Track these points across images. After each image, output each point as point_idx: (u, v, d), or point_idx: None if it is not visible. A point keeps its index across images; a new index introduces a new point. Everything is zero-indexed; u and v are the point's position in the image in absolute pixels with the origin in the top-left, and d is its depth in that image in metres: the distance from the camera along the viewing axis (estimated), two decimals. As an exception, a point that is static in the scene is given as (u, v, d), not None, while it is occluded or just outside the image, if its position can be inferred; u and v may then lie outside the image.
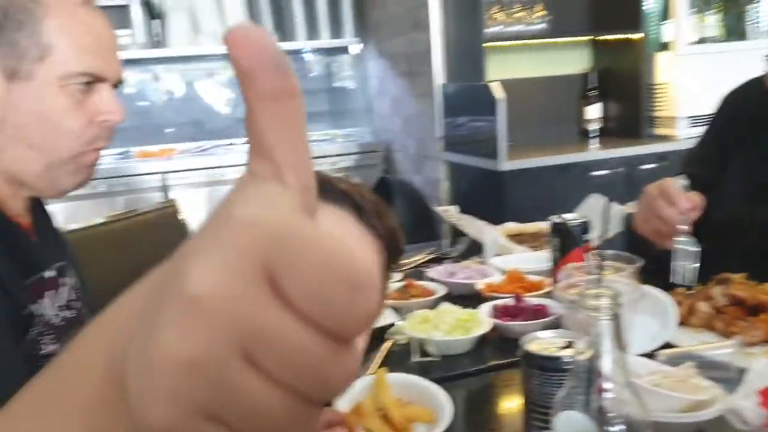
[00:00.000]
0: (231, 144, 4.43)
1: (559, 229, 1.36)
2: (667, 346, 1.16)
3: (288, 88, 0.30)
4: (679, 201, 1.38)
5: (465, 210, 2.08)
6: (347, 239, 0.36)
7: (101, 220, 2.11)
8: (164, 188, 3.82)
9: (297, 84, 0.30)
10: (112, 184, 3.71)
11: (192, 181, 3.89)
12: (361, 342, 0.28)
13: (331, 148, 4.30)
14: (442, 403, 1.01)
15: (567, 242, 1.35)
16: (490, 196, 3.25)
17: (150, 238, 2.11)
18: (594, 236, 1.37)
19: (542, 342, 0.78)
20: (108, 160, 3.86)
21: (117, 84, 1.09)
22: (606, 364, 0.64)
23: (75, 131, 1.01)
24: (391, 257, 0.77)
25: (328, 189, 0.72)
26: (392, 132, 4.33)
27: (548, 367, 0.74)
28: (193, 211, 3.95)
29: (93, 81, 1.01)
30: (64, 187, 1.05)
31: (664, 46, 3.45)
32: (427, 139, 3.84)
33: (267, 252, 0.25)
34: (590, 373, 0.65)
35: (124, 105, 1.06)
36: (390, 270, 0.80)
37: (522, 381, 0.78)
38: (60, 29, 0.98)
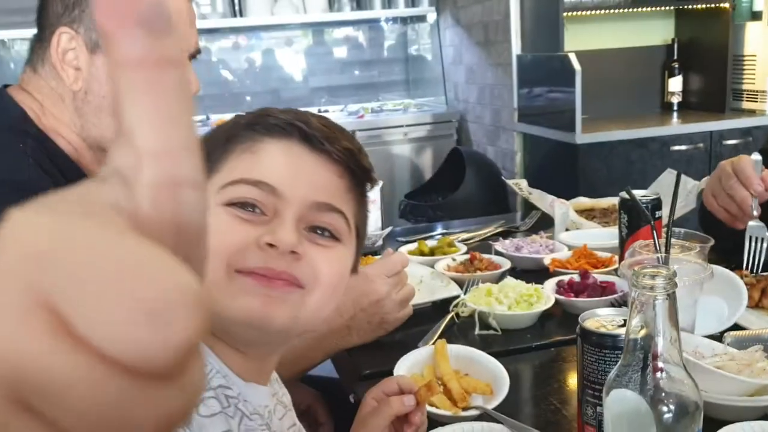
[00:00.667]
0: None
1: (628, 205, 1.33)
2: (736, 328, 1.14)
3: (160, 53, 0.23)
4: (754, 182, 1.33)
5: (538, 183, 2.05)
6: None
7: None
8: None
9: (175, 49, 0.24)
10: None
11: (268, 149, 3.95)
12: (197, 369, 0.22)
13: (404, 117, 4.30)
14: (501, 376, 1.02)
15: (636, 219, 1.33)
16: (565, 170, 3.19)
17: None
18: (665, 213, 1.34)
19: (600, 319, 0.78)
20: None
21: (194, 55, 1.13)
22: (660, 344, 0.64)
23: None
24: (357, 178, 0.76)
25: (273, 122, 0.73)
26: (467, 102, 4.29)
27: (603, 344, 0.74)
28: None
29: None
30: None
31: (755, 16, 3.29)
32: (502, 110, 3.80)
33: (32, 275, 0.20)
34: (645, 353, 0.65)
35: (203, 74, 1.11)
36: (363, 192, 0.78)
37: (578, 357, 0.78)
38: None
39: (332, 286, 0.73)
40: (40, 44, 1.09)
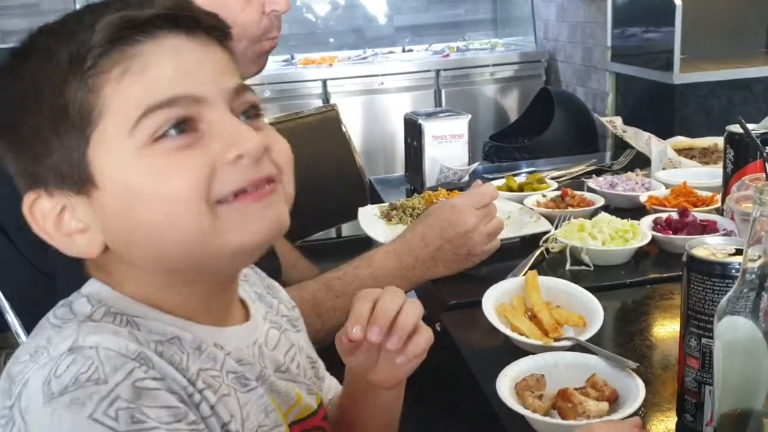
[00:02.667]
0: (390, 52, 4.43)
1: (736, 140, 1.25)
2: None
3: None
4: None
5: (632, 123, 1.96)
6: None
7: (267, 121, 2.20)
8: (325, 95, 3.90)
9: None
10: (276, 89, 3.83)
11: (350, 89, 3.94)
12: None
13: (490, 57, 4.19)
14: (595, 309, 0.99)
15: (744, 154, 1.25)
16: (661, 112, 3.05)
17: (313, 138, 2.18)
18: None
19: (709, 247, 0.73)
20: (274, 66, 3.98)
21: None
22: (780, 270, 0.59)
23: (254, 20, 1.11)
24: (224, 41, 0.65)
25: (141, 25, 0.60)
26: (557, 41, 4.14)
27: (713, 272, 0.69)
28: (351, 118, 4.03)
29: None
30: (244, 75, 1.11)
31: None
32: (594, 49, 3.65)
33: None
34: (761, 280, 0.61)
35: (287, 13, 1.14)
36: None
37: (683, 288, 0.73)
38: None
39: (291, 160, 0.66)
40: None
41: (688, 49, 2.94)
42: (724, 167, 1.31)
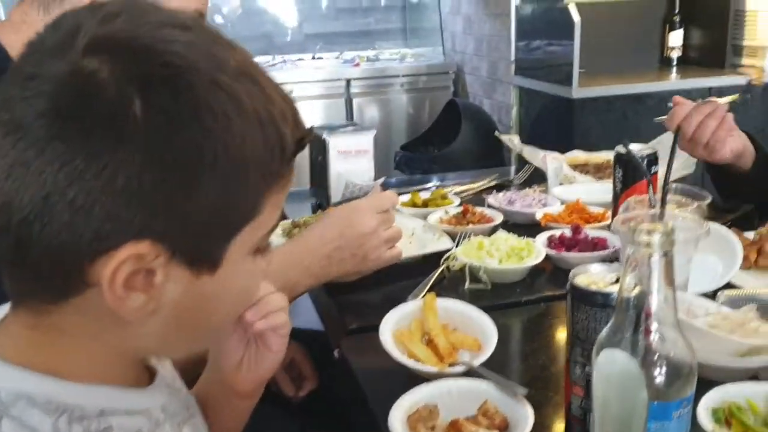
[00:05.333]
0: (300, 59, 4.41)
1: (624, 159, 1.30)
2: (730, 287, 1.12)
3: None
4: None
5: (534, 137, 2.02)
6: None
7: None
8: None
9: None
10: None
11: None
12: None
13: (400, 67, 4.23)
14: (489, 331, 1.00)
15: (631, 174, 1.30)
16: (561, 125, 3.15)
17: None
18: (662, 170, 1.31)
19: (592, 275, 0.76)
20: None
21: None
22: (654, 303, 0.62)
23: None
24: None
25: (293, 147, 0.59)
26: (464, 53, 4.22)
27: (594, 302, 0.72)
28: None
29: None
30: None
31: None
32: (499, 62, 3.73)
33: None
34: (638, 312, 0.63)
35: None
36: None
37: (567, 315, 0.76)
38: None
39: None
40: None
41: (587, 64, 3.05)
42: (614, 186, 1.35)
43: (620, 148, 1.32)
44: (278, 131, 0.57)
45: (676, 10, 3.45)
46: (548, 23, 3.21)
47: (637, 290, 0.63)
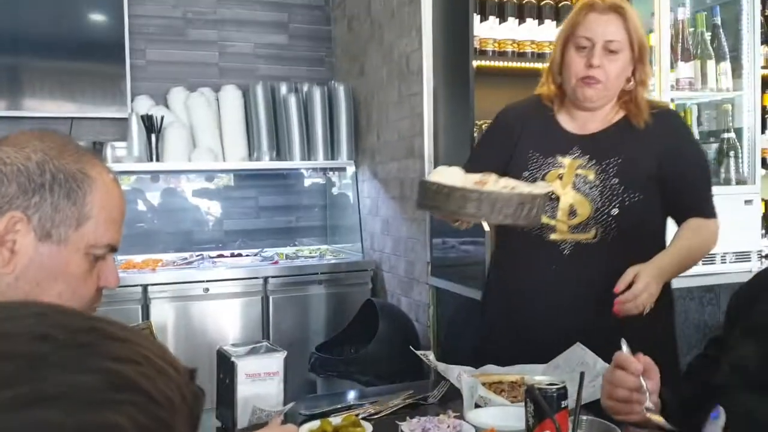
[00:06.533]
0: (220, 255, 4.41)
1: (534, 396, 1.30)
2: None
3: None
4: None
5: (449, 338, 2.02)
6: None
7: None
8: (145, 301, 3.76)
9: None
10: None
11: (173, 295, 3.83)
12: None
13: (320, 265, 4.27)
14: None
15: (541, 409, 1.29)
16: (474, 326, 3.18)
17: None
18: (571, 403, 1.31)
19: None
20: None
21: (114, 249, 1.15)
22: None
23: (85, 297, 1.09)
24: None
25: None
26: (382, 252, 4.31)
27: None
28: (173, 327, 3.87)
29: (109, 251, 1.11)
30: None
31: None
32: (416, 263, 3.82)
33: None
34: None
35: None
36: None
37: None
38: (100, 203, 1.06)
39: None
40: None
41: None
42: (527, 419, 1.34)
43: (530, 382, 1.32)
44: None
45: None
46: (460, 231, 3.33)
47: None
